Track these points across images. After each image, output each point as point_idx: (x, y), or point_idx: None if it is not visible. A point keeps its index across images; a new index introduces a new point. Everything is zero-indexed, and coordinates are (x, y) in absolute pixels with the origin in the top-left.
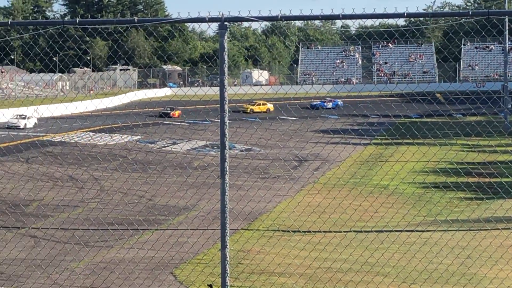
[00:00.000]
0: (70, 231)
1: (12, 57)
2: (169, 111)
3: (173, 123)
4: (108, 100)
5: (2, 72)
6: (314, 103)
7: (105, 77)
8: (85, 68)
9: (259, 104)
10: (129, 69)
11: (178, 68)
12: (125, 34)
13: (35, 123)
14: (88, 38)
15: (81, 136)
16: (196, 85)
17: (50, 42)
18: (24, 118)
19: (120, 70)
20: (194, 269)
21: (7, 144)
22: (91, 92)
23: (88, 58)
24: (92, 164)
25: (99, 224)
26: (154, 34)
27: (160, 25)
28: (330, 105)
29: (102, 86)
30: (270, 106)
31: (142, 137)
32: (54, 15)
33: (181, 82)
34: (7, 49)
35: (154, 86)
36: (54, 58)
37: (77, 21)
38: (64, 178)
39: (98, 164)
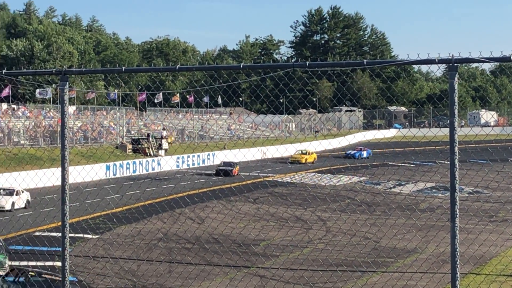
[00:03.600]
0: (298, 271)
1: (241, 98)
2: (231, 168)
3: (399, 164)
4: (337, 141)
5: (231, 113)
6: (353, 152)
7: (331, 118)
8: (311, 110)
9: (309, 154)
10: (354, 110)
11: (404, 109)
12: (352, 76)
13: (28, 200)
14: (314, 80)
15: (309, 177)
16: (422, 126)
17: (280, 85)
18: (11, 194)
19: (346, 111)
20: None
21: (238, 184)
22: (317, 133)
23: (314, 99)
24: (318, 205)
25: (327, 265)
26: (383, 75)
27: (384, 67)
28: (365, 154)
29: (328, 127)
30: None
31: (368, 178)
32: (281, 57)
33: (407, 123)
34: (239, 91)
35: (379, 127)
36: (281, 100)
37: (307, 64)
38: (292, 218)
39: (325, 205)
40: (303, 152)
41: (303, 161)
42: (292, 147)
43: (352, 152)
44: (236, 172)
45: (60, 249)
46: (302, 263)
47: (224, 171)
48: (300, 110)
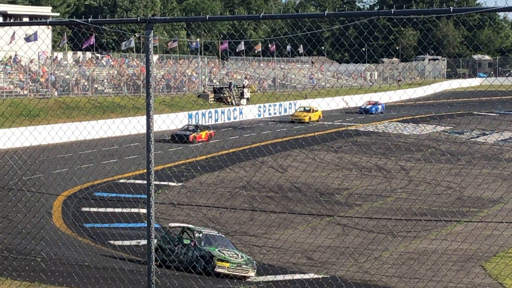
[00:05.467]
0: (381, 220)
1: (323, 47)
2: (188, 133)
3: (484, 113)
4: (422, 90)
5: (313, 62)
6: (368, 106)
7: (415, 67)
8: (394, 58)
9: (314, 111)
10: (437, 59)
11: (489, 57)
12: (438, 23)
13: None
14: (398, 28)
15: (392, 126)
16: (507, 75)
17: (365, 33)
18: None
19: (429, 60)
20: (507, 264)
21: (321, 133)
22: (399, 82)
23: (398, 48)
24: (400, 154)
25: (410, 214)
26: (470, 23)
27: (470, 14)
28: (380, 108)
29: (410, 76)
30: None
31: (450, 127)
32: (363, 5)
33: (492, 72)
34: (323, 39)
35: (463, 76)
36: (363, 48)
37: (393, 12)
38: (372, 167)
39: (406, 154)
40: (306, 109)
41: (306, 120)
42: (376, 95)
43: (368, 106)
44: (201, 137)
45: (145, 196)
46: (385, 212)
47: (179, 136)
48: (383, 59)
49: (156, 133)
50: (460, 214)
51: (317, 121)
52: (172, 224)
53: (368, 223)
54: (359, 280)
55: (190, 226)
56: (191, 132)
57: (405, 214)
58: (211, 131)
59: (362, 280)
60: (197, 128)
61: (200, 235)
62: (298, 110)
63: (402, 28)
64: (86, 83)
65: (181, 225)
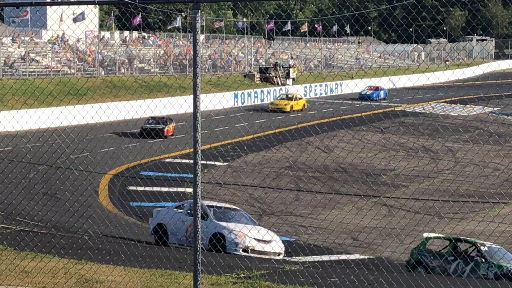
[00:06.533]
0: (427, 202)
1: (370, 27)
2: (162, 127)
3: None
4: (470, 71)
5: (359, 42)
6: (369, 92)
7: (463, 47)
8: (442, 39)
9: (296, 99)
10: (486, 40)
11: None
12: (487, 3)
13: None
14: (445, 8)
15: (440, 106)
16: None
17: (413, 13)
18: None
19: (477, 40)
20: None
21: (368, 113)
22: (447, 62)
23: (445, 28)
24: (447, 135)
25: (457, 196)
26: None
27: None
28: (382, 94)
29: (458, 57)
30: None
31: (499, 108)
32: None
33: None
34: (371, 19)
35: (511, 57)
36: (411, 29)
37: None
38: (419, 148)
39: (453, 135)
40: (289, 96)
41: (287, 109)
42: (424, 76)
43: (368, 92)
44: (171, 131)
45: (191, 175)
46: (432, 194)
47: (153, 130)
48: (431, 40)
49: (121, 122)
50: (508, 196)
51: (301, 110)
52: (428, 235)
53: (414, 204)
54: (405, 261)
55: (461, 237)
56: (164, 126)
57: (452, 196)
58: (174, 124)
59: None
60: (169, 120)
61: (485, 248)
62: (279, 97)
63: (450, 8)
64: (128, 61)
65: (440, 235)
